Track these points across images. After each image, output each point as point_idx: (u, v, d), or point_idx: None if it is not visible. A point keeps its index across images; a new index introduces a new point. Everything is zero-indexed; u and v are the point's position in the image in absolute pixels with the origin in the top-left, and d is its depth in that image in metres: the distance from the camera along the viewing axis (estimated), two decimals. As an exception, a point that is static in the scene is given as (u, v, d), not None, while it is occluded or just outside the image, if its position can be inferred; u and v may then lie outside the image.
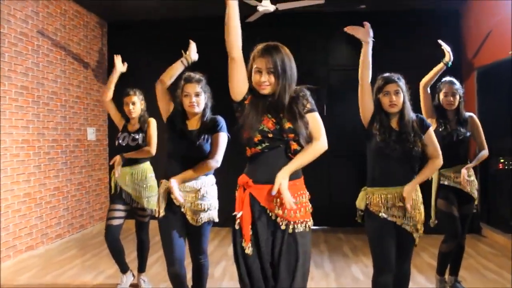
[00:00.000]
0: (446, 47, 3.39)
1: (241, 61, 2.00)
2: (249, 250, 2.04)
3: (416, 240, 2.70)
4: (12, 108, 4.27)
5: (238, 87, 2.05)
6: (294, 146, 2.02)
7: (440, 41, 3.45)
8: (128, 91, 3.61)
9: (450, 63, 3.37)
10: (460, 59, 5.95)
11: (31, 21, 4.59)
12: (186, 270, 2.94)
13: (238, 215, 2.08)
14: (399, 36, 5.90)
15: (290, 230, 2.04)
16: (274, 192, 1.96)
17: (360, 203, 2.74)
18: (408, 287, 2.83)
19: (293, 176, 2.04)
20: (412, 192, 2.60)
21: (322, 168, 5.90)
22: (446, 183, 3.40)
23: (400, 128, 2.64)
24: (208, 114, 2.90)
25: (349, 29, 2.53)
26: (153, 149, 3.57)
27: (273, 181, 1.98)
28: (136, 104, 3.58)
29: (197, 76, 2.85)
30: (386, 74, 2.71)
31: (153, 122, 3.64)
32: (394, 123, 2.67)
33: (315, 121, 2.09)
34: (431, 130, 2.71)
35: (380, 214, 2.62)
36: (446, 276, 3.55)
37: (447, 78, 3.48)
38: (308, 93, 2.12)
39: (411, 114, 2.68)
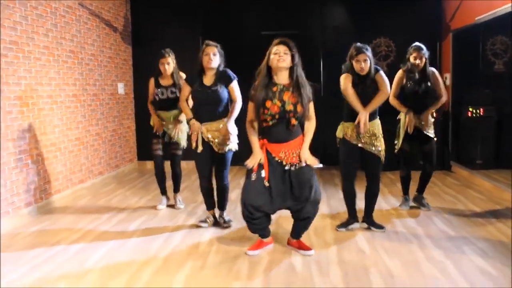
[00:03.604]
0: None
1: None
2: (265, 181, 3.18)
3: (382, 160, 3.74)
4: (64, 68, 5.24)
5: None
6: (293, 121, 3.16)
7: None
8: (163, 53, 4.38)
9: None
10: (440, 22, 6.81)
11: (73, -6, 5.48)
12: (213, 186, 4.03)
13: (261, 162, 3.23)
14: (386, 3, 6.67)
15: (290, 168, 3.18)
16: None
17: (339, 133, 3.83)
18: (376, 201, 3.93)
19: (295, 135, 3.19)
20: (364, 115, 3.54)
21: (319, 118, 6.88)
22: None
23: (365, 81, 3.64)
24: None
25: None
26: None
27: (279, 141, 3.16)
28: (170, 64, 4.42)
29: (215, 42, 3.85)
30: (358, 44, 3.63)
31: (184, 76, 4.42)
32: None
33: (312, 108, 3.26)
34: (381, 72, 3.65)
35: (353, 142, 3.68)
36: (410, 196, 4.63)
37: (416, 44, 4.27)
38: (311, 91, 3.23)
39: (373, 73, 3.64)
